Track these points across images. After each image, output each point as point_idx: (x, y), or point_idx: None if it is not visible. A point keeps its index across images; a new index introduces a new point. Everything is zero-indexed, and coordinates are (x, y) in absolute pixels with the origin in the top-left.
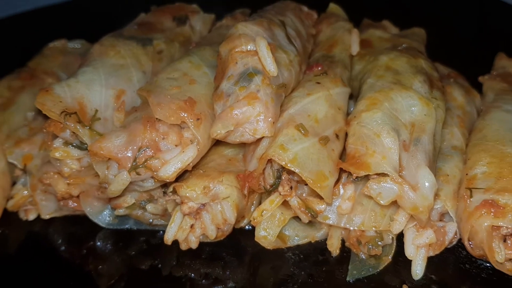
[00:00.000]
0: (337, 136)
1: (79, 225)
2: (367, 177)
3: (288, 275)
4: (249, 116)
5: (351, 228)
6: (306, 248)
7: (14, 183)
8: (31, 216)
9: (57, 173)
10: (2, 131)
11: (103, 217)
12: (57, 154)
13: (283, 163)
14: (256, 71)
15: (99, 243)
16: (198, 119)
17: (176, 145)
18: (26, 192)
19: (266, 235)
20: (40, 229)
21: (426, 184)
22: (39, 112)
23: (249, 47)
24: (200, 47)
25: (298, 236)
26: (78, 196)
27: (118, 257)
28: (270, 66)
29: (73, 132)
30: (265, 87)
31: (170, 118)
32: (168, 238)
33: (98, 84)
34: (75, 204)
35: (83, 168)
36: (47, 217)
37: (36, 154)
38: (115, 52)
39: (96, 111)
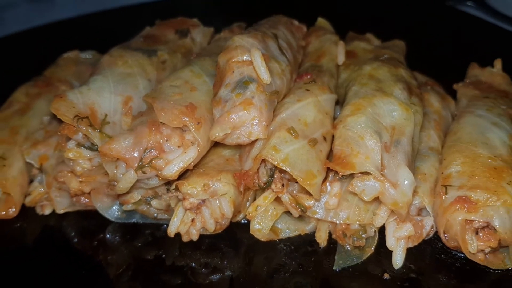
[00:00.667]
0: (324, 138)
1: (90, 219)
2: (352, 176)
3: (280, 264)
4: (245, 120)
5: (337, 222)
6: (296, 240)
7: (31, 181)
8: (47, 211)
9: (70, 172)
10: (21, 134)
11: (112, 212)
12: (70, 155)
13: (275, 163)
14: (251, 79)
15: (108, 236)
16: (198, 123)
17: (178, 147)
18: (42, 189)
19: (260, 228)
20: (55, 223)
21: (406, 182)
22: (54, 117)
23: (244, 57)
24: (200, 58)
25: (289, 229)
26: (89, 193)
27: (126, 248)
28: (264, 75)
29: (85, 135)
30: (259, 94)
31: (173, 122)
32: (171, 231)
33: (107, 91)
34: (87, 200)
35: (94, 168)
36: (61, 212)
37: (51, 155)
38: (123, 62)
39: (106, 115)
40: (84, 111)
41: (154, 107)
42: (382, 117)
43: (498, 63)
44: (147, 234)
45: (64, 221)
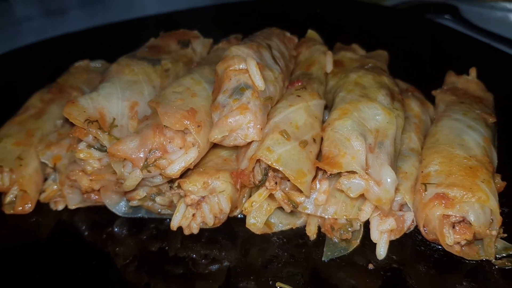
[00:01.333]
0: (314, 140)
1: (99, 214)
2: (339, 174)
3: (274, 255)
4: (241, 124)
5: (326, 216)
6: (288, 233)
7: (46, 179)
8: (60, 207)
9: (82, 171)
10: (36, 136)
11: (120, 208)
12: (81, 155)
13: (269, 163)
14: (247, 86)
15: (116, 229)
16: (198, 126)
17: (180, 148)
18: (56, 186)
19: (255, 222)
20: (67, 217)
21: (388, 180)
22: (66, 120)
23: (241, 66)
24: (200, 66)
25: (281, 223)
26: (99, 190)
27: (132, 240)
28: (259, 82)
29: (95, 137)
30: (254, 99)
31: (176, 125)
32: (174, 225)
33: (115, 97)
34: (97, 197)
35: (103, 167)
36: (73, 207)
37: (64, 155)
38: (129, 70)
39: (114, 119)
40: (94, 115)
41: (158, 111)
42: (367, 120)
43: (473, 71)
44: (151, 227)
45: (76, 216)
